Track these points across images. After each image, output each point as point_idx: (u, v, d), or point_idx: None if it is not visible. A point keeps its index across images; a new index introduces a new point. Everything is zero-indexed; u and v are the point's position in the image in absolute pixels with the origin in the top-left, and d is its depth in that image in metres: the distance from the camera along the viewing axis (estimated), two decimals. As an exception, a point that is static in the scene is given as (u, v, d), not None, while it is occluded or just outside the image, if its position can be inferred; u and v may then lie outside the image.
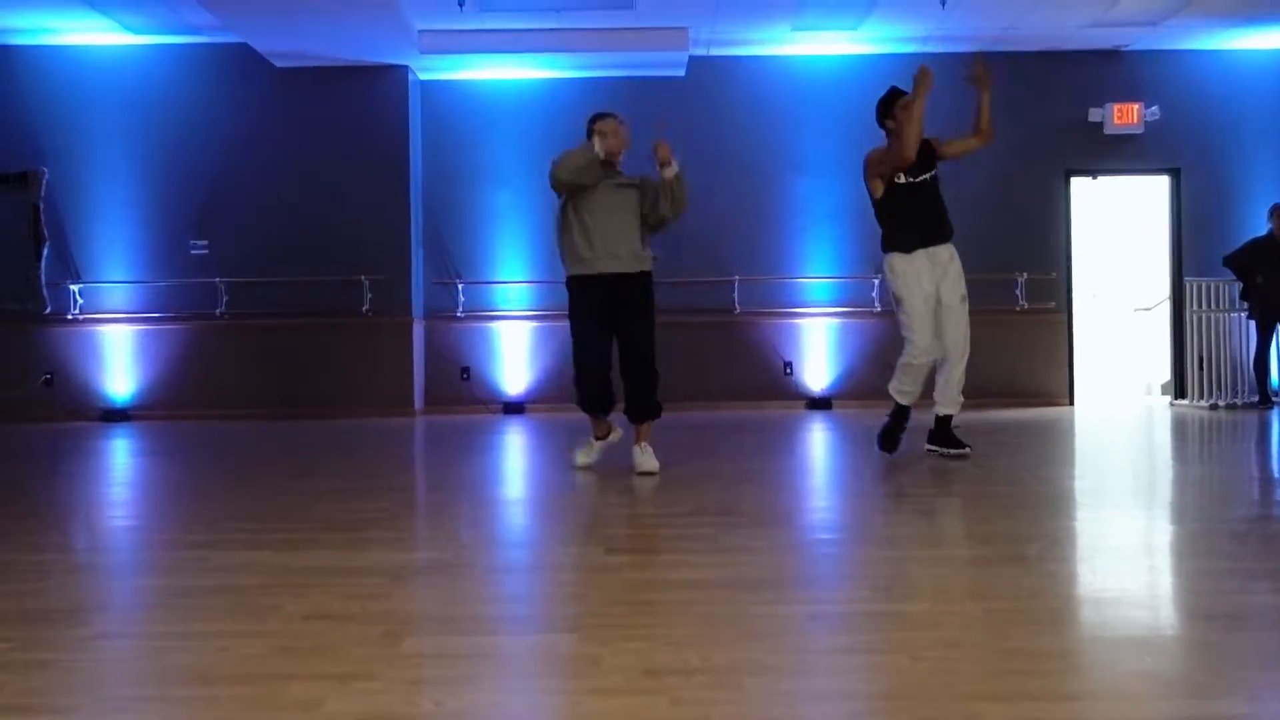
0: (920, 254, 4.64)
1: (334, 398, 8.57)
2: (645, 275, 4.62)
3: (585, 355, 4.58)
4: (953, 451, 4.64)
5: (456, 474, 4.96)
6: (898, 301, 4.72)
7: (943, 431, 4.72)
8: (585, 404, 4.65)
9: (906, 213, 4.71)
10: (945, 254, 4.70)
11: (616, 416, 4.65)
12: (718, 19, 8.12)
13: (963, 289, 4.72)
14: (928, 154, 4.75)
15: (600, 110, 4.80)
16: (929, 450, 4.73)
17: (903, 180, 4.70)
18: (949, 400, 4.72)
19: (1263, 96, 9.03)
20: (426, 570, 2.76)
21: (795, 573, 2.70)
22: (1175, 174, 9.05)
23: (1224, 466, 4.96)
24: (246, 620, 2.20)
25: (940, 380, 4.71)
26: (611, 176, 4.62)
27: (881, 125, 4.87)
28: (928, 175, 4.78)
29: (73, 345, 8.65)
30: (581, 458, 4.69)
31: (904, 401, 4.73)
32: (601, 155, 4.47)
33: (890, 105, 4.81)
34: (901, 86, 4.85)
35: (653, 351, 4.63)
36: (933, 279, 4.63)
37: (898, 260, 4.68)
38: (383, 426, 7.58)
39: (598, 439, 4.72)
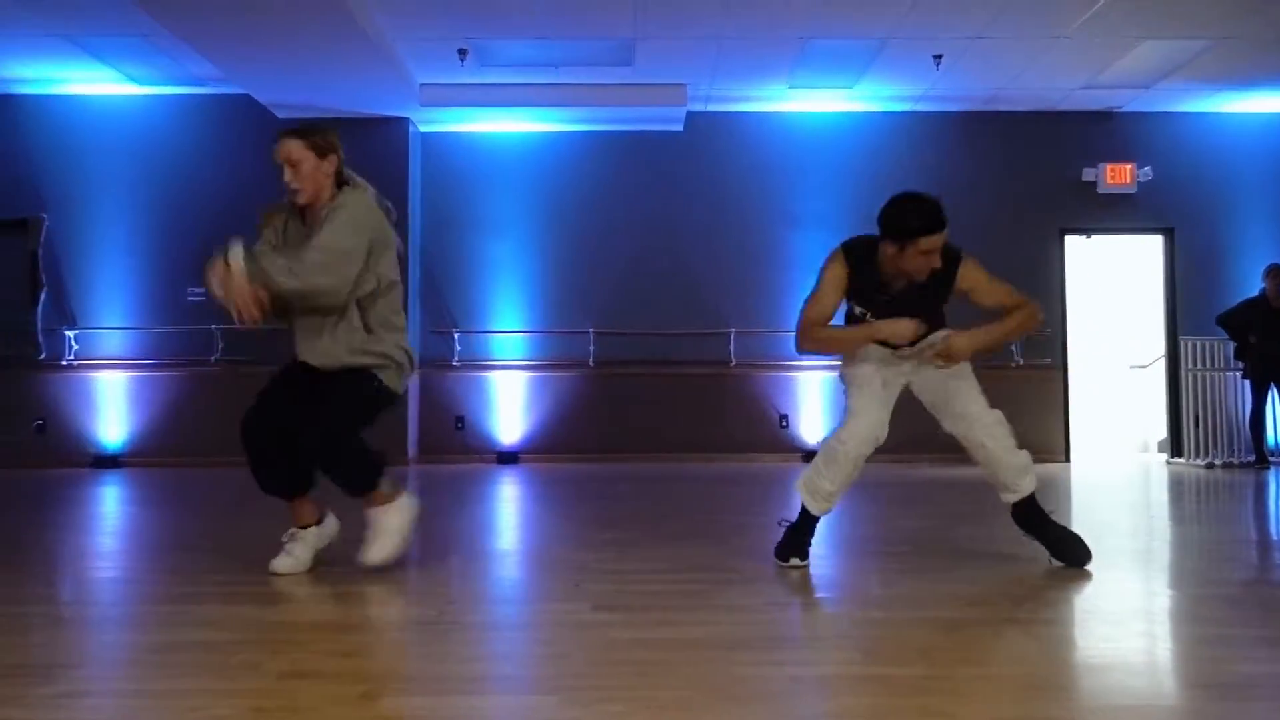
0: (880, 351, 3.50)
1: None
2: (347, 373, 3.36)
3: (251, 413, 3.39)
4: (1056, 562, 3.49)
5: (447, 525, 4.91)
6: (843, 374, 3.57)
7: (1033, 518, 3.55)
8: (260, 484, 3.44)
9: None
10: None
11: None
12: (716, 76, 8.24)
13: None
14: (928, 298, 3.41)
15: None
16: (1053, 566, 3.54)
17: (861, 316, 3.45)
18: (1011, 478, 3.51)
19: (1254, 159, 9.14)
20: (410, 626, 2.71)
21: (785, 632, 2.65)
22: (1169, 233, 9.14)
23: (1221, 528, 4.92)
24: (221, 679, 2.15)
25: (983, 466, 3.55)
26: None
27: (886, 237, 3.29)
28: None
29: (66, 391, 8.64)
30: (285, 561, 3.40)
31: (815, 509, 3.53)
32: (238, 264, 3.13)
33: (908, 232, 3.22)
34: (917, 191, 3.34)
35: (336, 420, 3.28)
36: (896, 371, 3.52)
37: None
38: (375, 476, 7.52)
39: (302, 526, 3.47)
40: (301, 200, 3.34)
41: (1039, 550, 3.59)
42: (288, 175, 3.32)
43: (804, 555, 3.54)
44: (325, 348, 3.37)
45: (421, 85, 8.23)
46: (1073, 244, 9.22)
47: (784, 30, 7.29)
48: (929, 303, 3.44)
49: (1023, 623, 2.68)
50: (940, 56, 7.72)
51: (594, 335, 8.93)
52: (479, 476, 7.54)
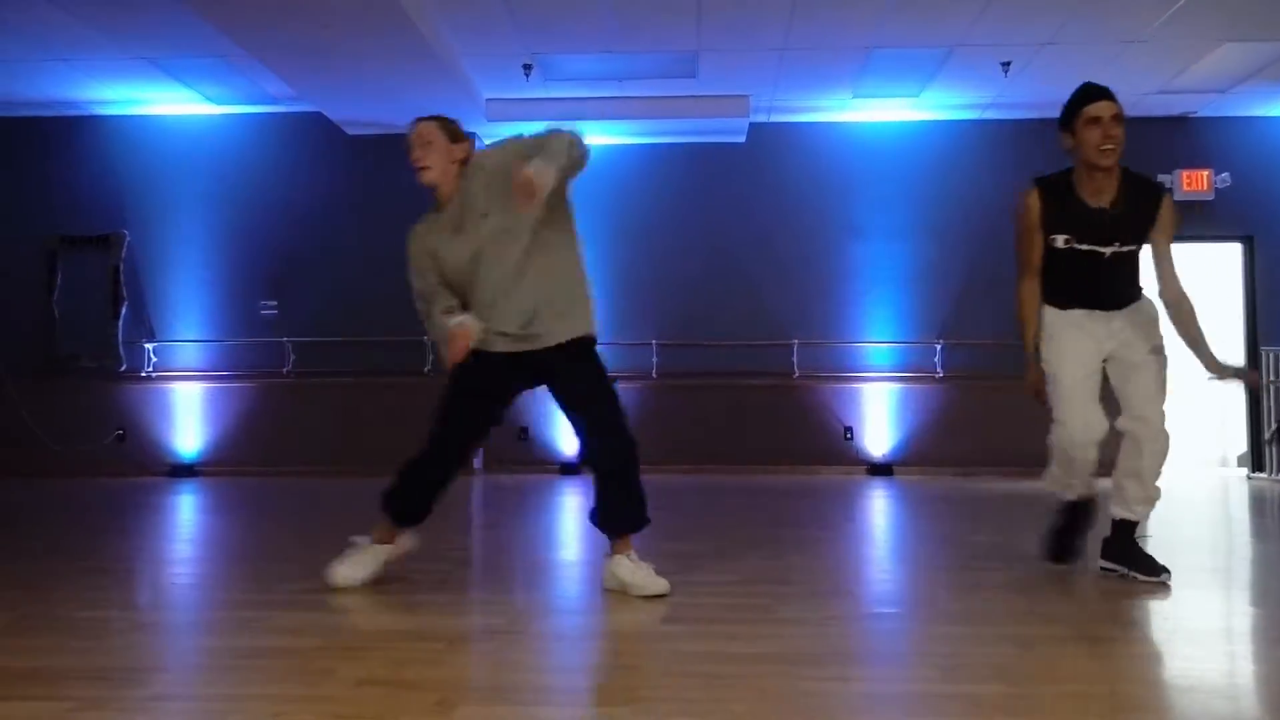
0: (1079, 313, 3.52)
1: (396, 456, 8.65)
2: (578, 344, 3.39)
3: (448, 433, 3.51)
4: (1145, 577, 3.39)
5: (513, 535, 4.95)
6: (1044, 354, 3.56)
7: (1123, 543, 3.49)
8: (403, 511, 3.48)
9: (1065, 274, 3.52)
10: (1121, 318, 3.57)
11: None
12: (779, 87, 8.23)
13: (1156, 338, 3.61)
14: (1130, 224, 3.50)
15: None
16: (1104, 569, 3.54)
17: (1064, 246, 3.48)
18: (1133, 497, 3.45)
19: (1339, 162, 8.85)
20: (482, 636, 2.74)
21: (854, 647, 2.63)
22: (1248, 241, 8.88)
23: (1307, 545, 4.75)
24: (301, 685, 2.20)
25: (1122, 468, 3.46)
26: (475, 214, 3.22)
27: (1063, 132, 3.62)
28: (1113, 249, 3.48)
29: (145, 402, 8.90)
30: (346, 573, 3.33)
31: (1065, 495, 3.61)
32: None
33: (1070, 113, 3.63)
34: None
35: (622, 420, 3.39)
36: (1097, 342, 3.51)
37: (1049, 314, 3.55)
38: (441, 486, 7.61)
39: (380, 543, 3.45)
40: (428, 179, 3.26)
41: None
42: (417, 154, 3.28)
43: (1070, 554, 3.65)
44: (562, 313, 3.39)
45: (487, 100, 8.35)
46: (1147, 252, 9.00)
47: (849, 40, 7.25)
48: (1131, 231, 3.50)
49: (1101, 640, 2.62)
50: (1009, 63, 7.61)
51: (657, 347, 8.94)
52: (543, 487, 7.59)
